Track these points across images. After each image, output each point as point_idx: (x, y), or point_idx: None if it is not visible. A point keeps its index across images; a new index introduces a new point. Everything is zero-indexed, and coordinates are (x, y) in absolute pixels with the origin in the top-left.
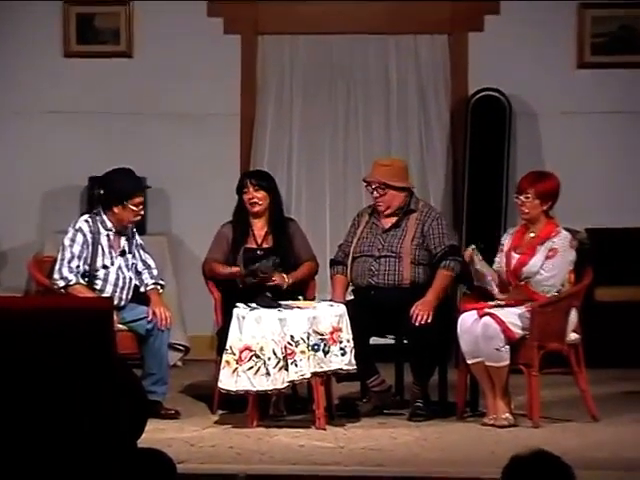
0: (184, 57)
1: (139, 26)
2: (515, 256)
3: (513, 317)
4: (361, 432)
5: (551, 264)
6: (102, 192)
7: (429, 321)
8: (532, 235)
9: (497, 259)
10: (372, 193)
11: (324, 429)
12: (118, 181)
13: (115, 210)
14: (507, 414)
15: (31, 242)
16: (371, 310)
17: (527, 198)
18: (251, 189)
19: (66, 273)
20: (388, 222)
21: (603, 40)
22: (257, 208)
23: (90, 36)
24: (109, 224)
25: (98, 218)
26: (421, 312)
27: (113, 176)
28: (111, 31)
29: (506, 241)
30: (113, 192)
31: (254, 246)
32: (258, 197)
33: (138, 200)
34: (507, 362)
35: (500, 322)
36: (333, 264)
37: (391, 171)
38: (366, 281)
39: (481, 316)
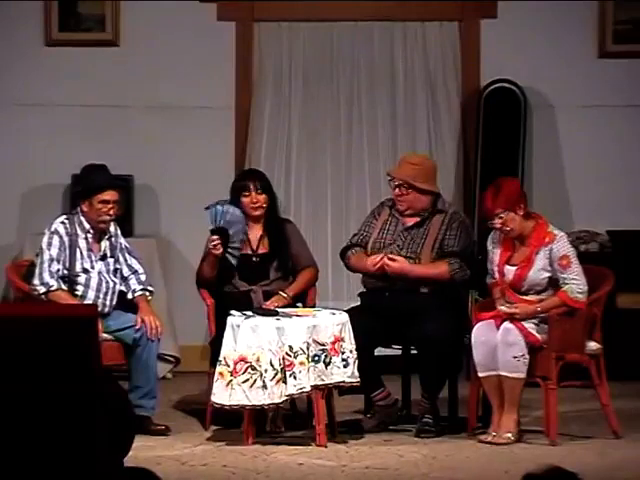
0: (175, 46)
1: (126, 12)
2: (510, 269)
3: (529, 325)
4: (365, 450)
5: (574, 272)
6: (73, 190)
7: (389, 272)
8: (522, 244)
9: (490, 269)
10: (394, 190)
11: (325, 446)
12: (86, 176)
13: (84, 208)
14: (509, 433)
15: (9, 245)
16: (377, 317)
17: (500, 218)
18: (253, 192)
19: (47, 278)
20: (411, 220)
21: (626, 27)
22: (259, 212)
23: (73, 23)
24: (87, 225)
25: (76, 219)
26: (387, 262)
27: (84, 172)
28: (96, 18)
29: (494, 251)
30: (80, 188)
31: (249, 252)
32: (261, 200)
33: (104, 197)
34: (523, 375)
35: (521, 327)
36: (347, 249)
37: (419, 171)
38: (381, 282)
39: (499, 325)
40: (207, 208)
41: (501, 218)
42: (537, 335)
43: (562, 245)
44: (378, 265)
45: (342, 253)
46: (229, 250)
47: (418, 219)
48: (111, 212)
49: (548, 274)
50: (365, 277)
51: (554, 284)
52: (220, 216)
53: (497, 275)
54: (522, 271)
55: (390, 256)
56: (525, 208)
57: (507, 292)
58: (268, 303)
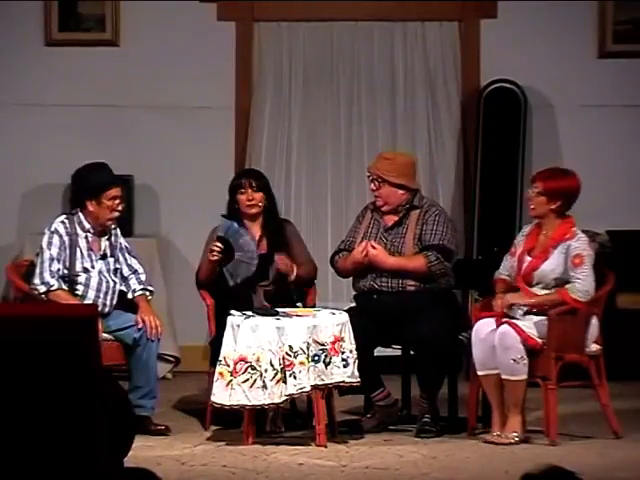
0: (175, 46)
1: (126, 12)
2: (528, 259)
3: (529, 325)
4: (365, 450)
5: (583, 272)
6: (75, 190)
7: (369, 256)
8: (545, 236)
9: (505, 262)
10: (370, 185)
11: (325, 446)
12: (89, 175)
13: (90, 208)
14: (515, 433)
15: (9, 245)
16: (375, 317)
17: (534, 193)
18: (249, 190)
19: (48, 278)
20: (390, 220)
21: (626, 28)
22: (255, 210)
23: (73, 23)
24: (87, 225)
25: (75, 219)
26: (371, 250)
27: (84, 171)
28: (96, 18)
29: (519, 243)
30: (85, 187)
31: None
32: (257, 198)
33: (113, 193)
34: (524, 376)
35: (520, 331)
36: (335, 254)
37: (390, 165)
38: (369, 284)
39: (499, 325)
40: (224, 216)
41: (534, 193)
42: (537, 339)
43: (580, 244)
44: (364, 251)
45: (331, 260)
46: (230, 270)
47: (396, 218)
48: (119, 208)
49: (560, 273)
50: (355, 280)
51: (562, 285)
52: (233, 232)
53: (516, 265)
54: (536, 262)
55: (372, 243)
56: (560, 208)
57: (519, 283)
58: (278, 259)
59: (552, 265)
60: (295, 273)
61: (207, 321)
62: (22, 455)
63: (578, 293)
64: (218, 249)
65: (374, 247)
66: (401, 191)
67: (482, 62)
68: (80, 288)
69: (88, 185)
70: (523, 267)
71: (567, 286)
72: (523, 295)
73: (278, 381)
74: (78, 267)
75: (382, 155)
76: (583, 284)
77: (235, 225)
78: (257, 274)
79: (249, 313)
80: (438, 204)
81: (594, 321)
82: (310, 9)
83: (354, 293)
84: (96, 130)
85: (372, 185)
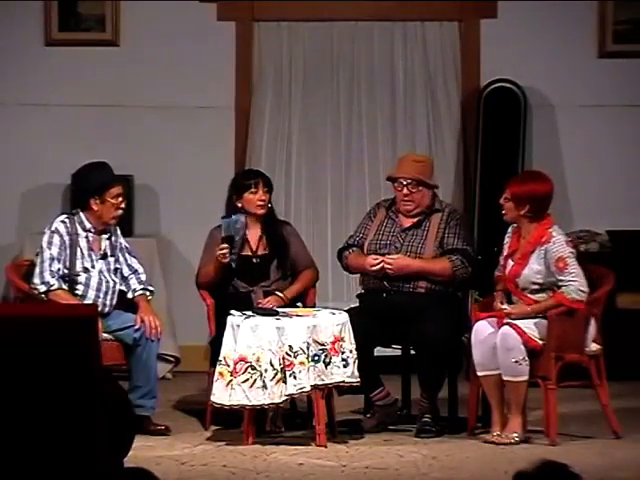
0: (175, 46)
1: (126, 12)
2: (510, 264)
3: (529, 325)
4: (365, 449)
5: (571, 273)
6: (77, 189)
7: (391, 271)
8: (524, 240)
9: (500, 262)
10: (401, 190)
11: (325, 446)
12: (91, 175)
13: (94, 207)
14: (515, 433)
15: (9, 245)
16: (379, 316)
17: (504, 198)
18: (261, 190)
19: (48, 277)
20: (409, 221)
21: (626, 27)
22: (264, 211)
23: (73, 23)
24: (88, 224)
25: (76, 218)
26: (386, 266)
27: (85, 171)
28: (96, 18)
29: (506, 245)
30: (88, 187)
31: (249, 253)
32: (266, 199)
33: (116, 191)
34: (526, 377)
35: (521, 333)
36: (344, 249)
37: (425, 168)
38: (380, 283)
39: (500, 326)
40: (223, 217)
41: (505, 199)
42: (538, 340)
43: (558, 247)
44: (376, 268)
45: (339, 254)
46: (233, 256)
47: (415, 220)
48: (122, 205)
49: (541, 277)
50: (364, 277)
51: (552, 287)
52: (232, 225)
53: (502, 268)
54: (517, 268)
55: (388, 259)
56: (530, 212)
57: (509, 286)
58: (263, 301)
59: (532, 271)
60: (286, 301)
61: (207, 321)
62: (22, 455)
63: (574, 294)
64: (227, 250)
65: (390, 262)
66: (431, 192)
67: (482, 62)
68: (80, 288)
69: (90, 185)
70: (506, 272)
71: (561, 289)
72: (521, 305)
73: (278, 381)
74: (78, 267)
75: (410, 158)
76: (576, 284)
77: (233, 218)
78: (257, 275)
79: (249, 313)
80: (457, 209)
81: (592, 321)
82: (310, 9)
83: (360, 291)
84: (96, 130)
85: (405, 190)
